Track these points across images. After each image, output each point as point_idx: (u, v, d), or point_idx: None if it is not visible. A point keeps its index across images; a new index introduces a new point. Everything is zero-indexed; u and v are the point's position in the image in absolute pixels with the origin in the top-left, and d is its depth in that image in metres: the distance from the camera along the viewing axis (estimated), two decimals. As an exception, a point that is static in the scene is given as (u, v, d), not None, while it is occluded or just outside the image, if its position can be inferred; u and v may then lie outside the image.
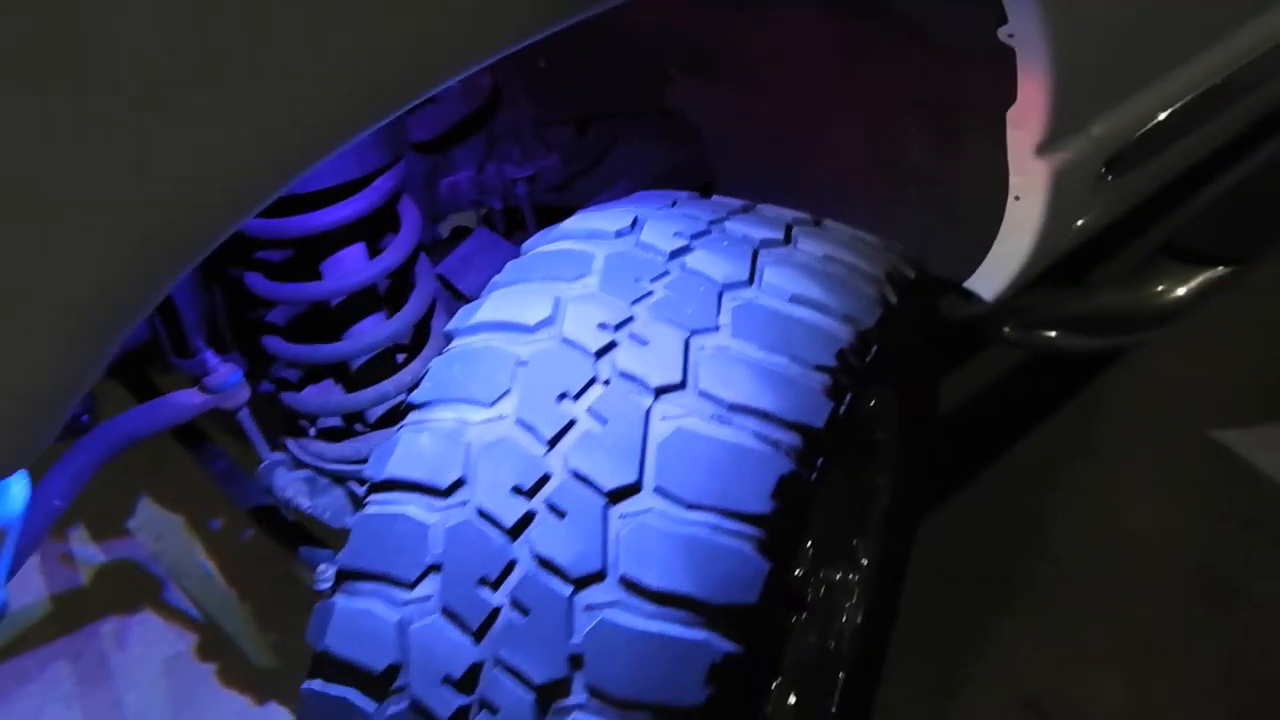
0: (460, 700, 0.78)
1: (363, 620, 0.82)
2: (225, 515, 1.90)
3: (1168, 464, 1.87)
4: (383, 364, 1.24)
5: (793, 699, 1.19)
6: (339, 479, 1.23)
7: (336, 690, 0.83)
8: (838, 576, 1.27)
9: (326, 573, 1.16)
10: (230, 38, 0.56)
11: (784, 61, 1.26)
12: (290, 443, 1.24)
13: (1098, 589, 1.69)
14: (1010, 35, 0.97)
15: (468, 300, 1.32)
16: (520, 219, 1.48)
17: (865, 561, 1.34)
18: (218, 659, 1.69)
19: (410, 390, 1.19)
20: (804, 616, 1.19)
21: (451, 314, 1.25)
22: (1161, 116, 1.17)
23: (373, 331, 1.17)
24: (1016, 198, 1.13)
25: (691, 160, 1.44)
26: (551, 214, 1.40)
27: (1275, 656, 1.57)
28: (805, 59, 1.24)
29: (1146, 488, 1.83)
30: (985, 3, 0.97)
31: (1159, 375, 2.02)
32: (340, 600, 0.84)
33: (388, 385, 1.18)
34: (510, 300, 0.92)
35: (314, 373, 1.25)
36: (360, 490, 1.20)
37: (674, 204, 1.03)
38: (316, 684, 0.84)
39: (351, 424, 1.26)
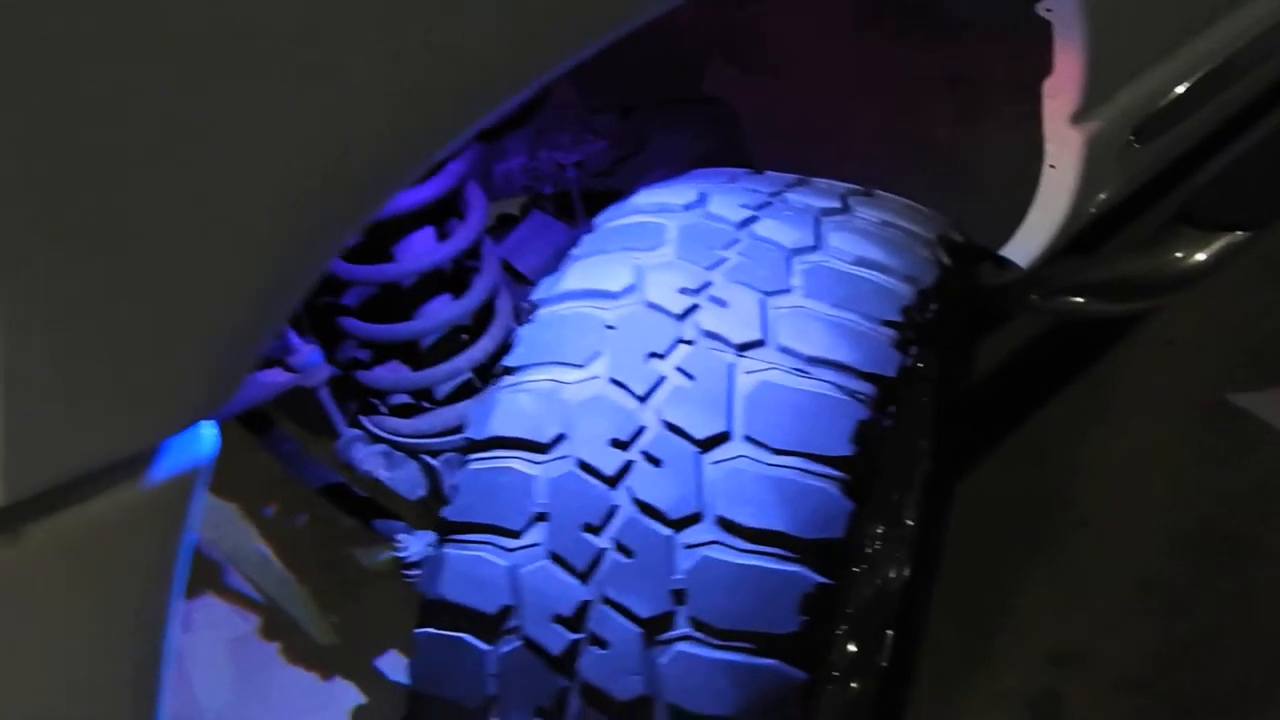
0: (571, 636, 0.85)
1: (474, 567, 0.89)
2: (278, 503, 1.96)
3: (1181, 430, 1.94)
4: (449, 343, 1.30)
5: (852, 647, 1.25)
6: (413, 453, 1.30)
7: (451, 634, 0.89)
8: (887, 534, 1.34)
9: (405, 541, 1.22)
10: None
11: (819, 47, 1.33)
12: (365, 420, 1.31)
13: (1122, 550, 1.76)
14: (1048, 10, 1.03)
15: (527, 281, 1.39)
16: (566, 204, 1.54)
17: (910, 521, 1.40)
18: (280, 639, 1.75)
19: (478, 366, 1.27)
20: (864, 567, 1.25)
21: (511, 294, 1.32)
22: (1184, 85, 1.23)
23: (446, 310, 1.24)
24: (1052, 166, 1.20)
25: (729, 145, 1.50)
26: (597, 198, 1.47)
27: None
28: (840, 44, 1.31)
29: (1162, 453, 1.90)
30: (1022, -19, 1.04)
31: (1167, 347, 2.09)
32: (450, 551, 0.91)
33: (461, 361, 1.24)
34: (592, 270, 0.98)
35: (385, 352, 1.31)
36: (433, 462, 1.27)
37: (732, 180, 1.10)
38: (430, 630, 0.91)
39: (419, 400, 1.33)
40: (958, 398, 1.38)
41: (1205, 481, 1.84)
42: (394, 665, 1.70)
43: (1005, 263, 1.36)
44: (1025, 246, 1.33)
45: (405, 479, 1.31)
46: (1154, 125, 1.25)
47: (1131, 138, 1.23)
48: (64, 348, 0.53)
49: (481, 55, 0.69)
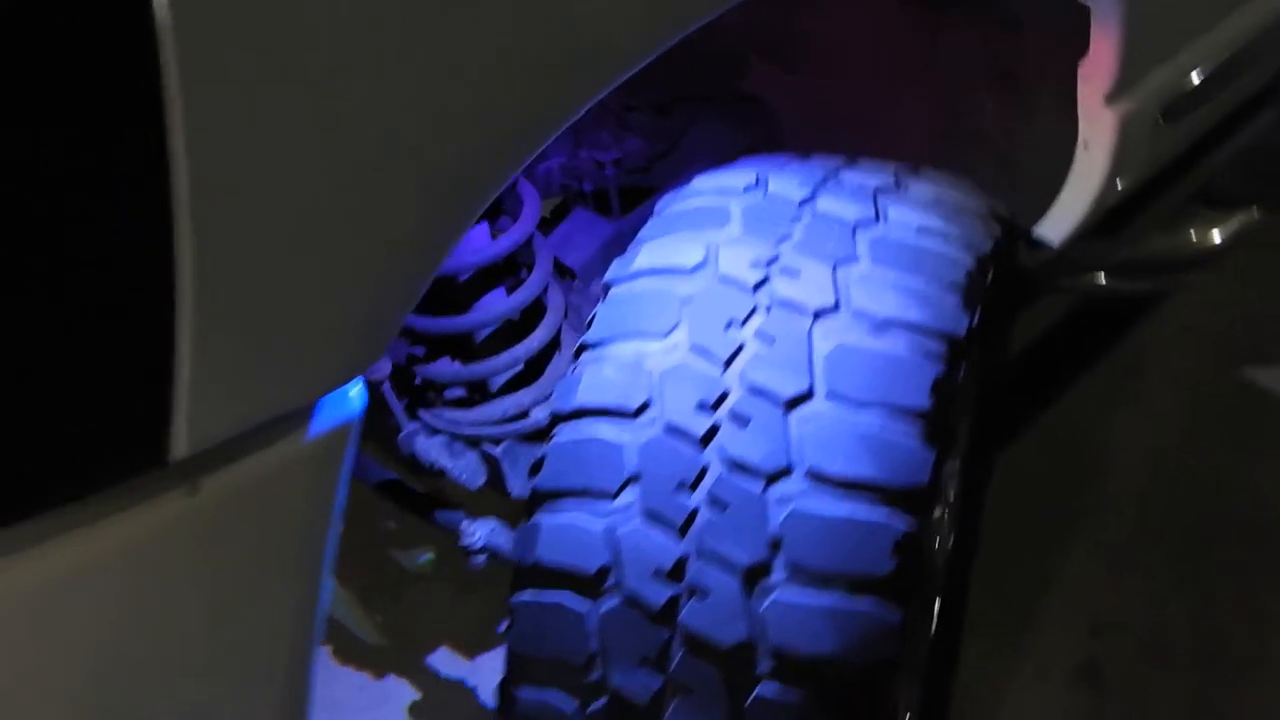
0: (671, 590, 0.89)
1: (570, 531, 0.93)
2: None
3: (1206, 407, 2.00)
4: (502, 336, 1.35)
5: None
6: (473, 442, 1.34)
7: (550, 596, 0.93)
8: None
9: (471, 529, 1.26)
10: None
11: (859, 45, 1.38)
12: (423, 413, 1.35)
13: (1155, 523, 1.81)
14: (1088, -5, 1.09)
15: (572, 275, 1.43)
16: (603, 200, 1.59)
17: (952, 494, 1.45)
18: (331, 640, 1.78)
19: (529, 359, 1.31)
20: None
21: (560, 288, 1.36)
22: (1210, 67, 1.29)
23: (501, 304, 1.28)
24: (1085, 146, 1.26)
25: (767, 141, 1.55)
26: (632, 195, 1.52)
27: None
28: (880, 42, 1.36)
29: (1189, 430, 1.95)
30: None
31: (1187, 329, 2.15)
32: (543, 518, 0.95)
33: (519, 351, 1.29)
34: (663, 249, 1.03)
35: (440, 345, 1.35)
36: (494, 451, 1.31)
37: (784, 164, 1.15)
38: (527, 595, 0.95)
39: (473, 393, 1.37)
40: (996, 374, 1.43)
41: (1232, 457, 1.90)
42: (445, 661, 1.73)
43: (1038, 244, 1.42)
44: (1057, 225, 1.38)
45: (467, 468, 1.35)
46: (1181, 106, 1.30)
47: (1160, 118, 1.29)
48: (247, 303, 0.57)
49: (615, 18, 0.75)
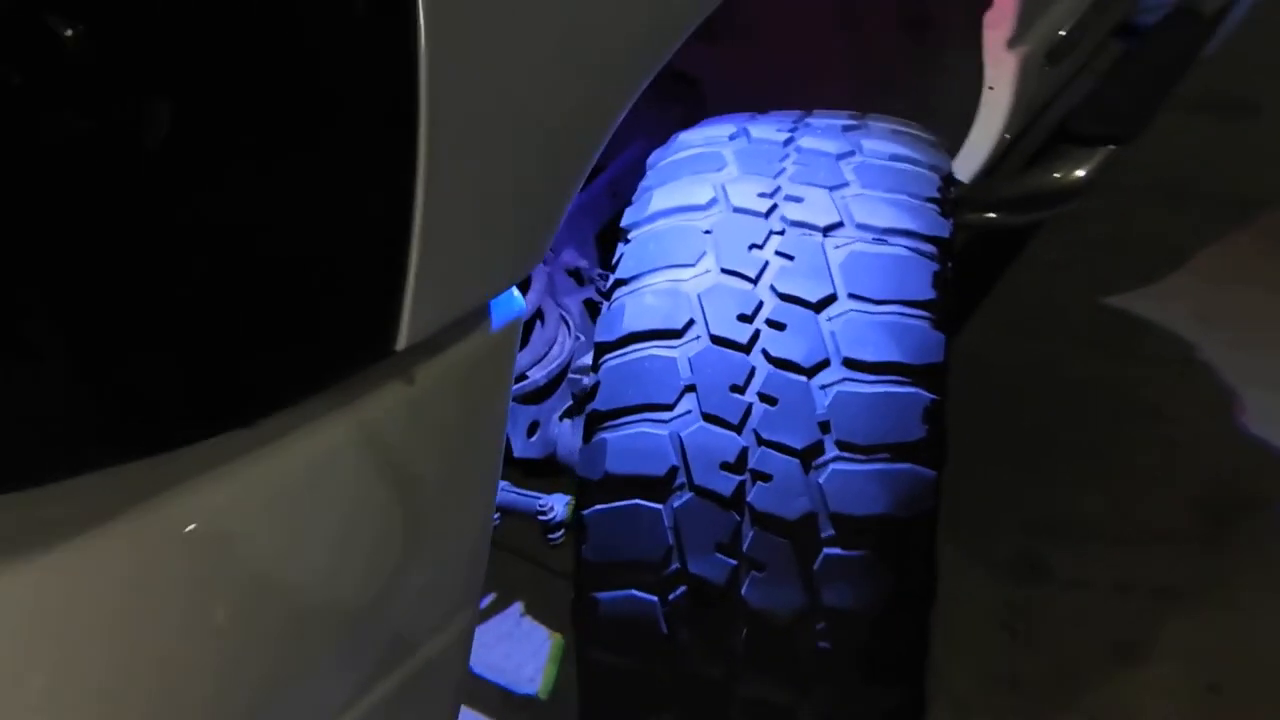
0: (737, 478, 1.00)
1: (637, 441, 1.03)
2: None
3: (1079, 327, 2.26)
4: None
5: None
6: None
7: (623, 503, 1.03)
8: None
9: (547, 504, 1.34)
10: None
11: (778, 9, 1.54)
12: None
13: (1056, 428, 2.05)
14: (992, -50, 1.28)
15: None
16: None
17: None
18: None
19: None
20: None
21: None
22: (1079, 13, 1.51)
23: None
24: (990, 88, 1.45)
25: (693, 114, 1.69)
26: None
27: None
28: (802, 6, 1.52)
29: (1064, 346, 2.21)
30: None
31: (1053, 264, 2.42)
32: (608, 435, 1.05)
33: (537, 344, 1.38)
34: (673, 193, 1.14)
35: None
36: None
37: (751, 118, 1.29)
38: (599, 507, 1.04)
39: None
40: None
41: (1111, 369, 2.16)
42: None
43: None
44: (967, 164, 1.57)
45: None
46: (1060, 50, 1.51)
47: (1045, 61, 1.49)
48: (462, 198, 0.66)
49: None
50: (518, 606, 1.78)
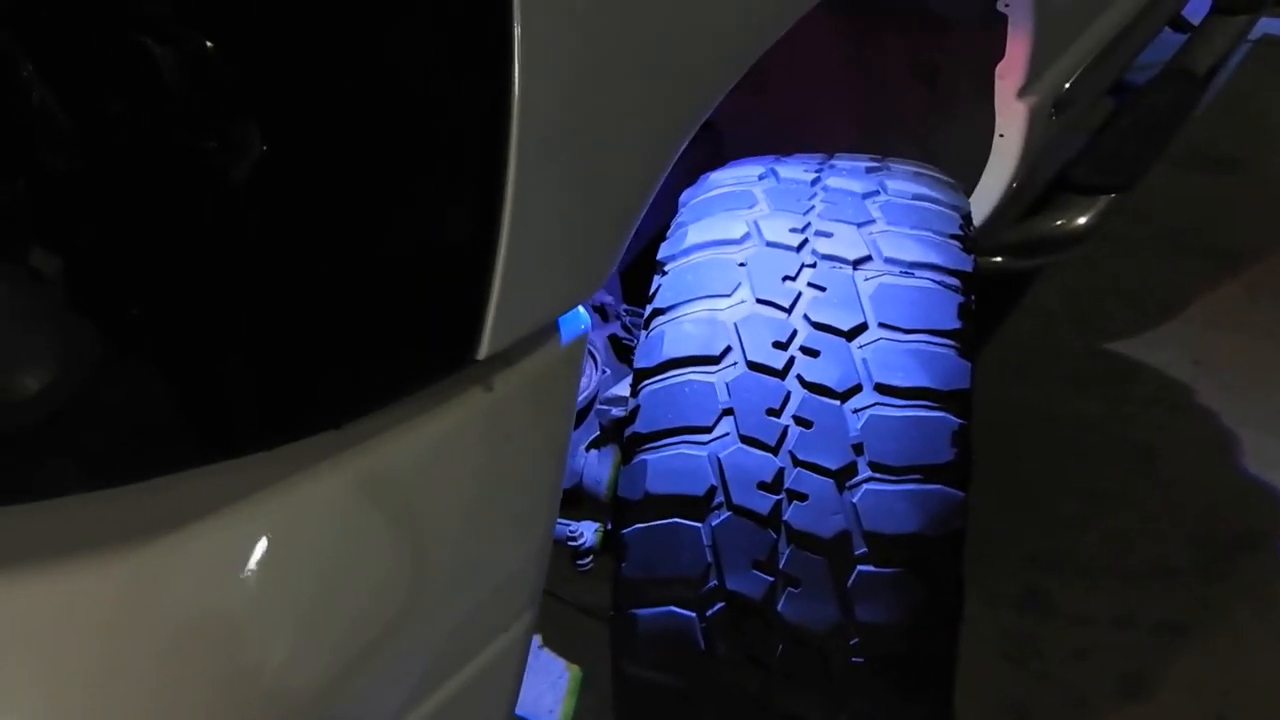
0: (773, 497, 1.05)
1: (676, 462, 1.07)
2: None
3: (1074, 370, 2.32)
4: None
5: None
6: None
7: (662, 521, 1.07)
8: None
9: (577, 530, 1.38)
10: None
11: (791, 53, 1.60)
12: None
13: (1057, 463, 2.10)
14: (1006, 5, 1.35)
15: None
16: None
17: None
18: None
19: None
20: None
21: None
22: (1082, 67, 1.58)
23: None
24: (1000, 135, 1.51)
25: (713, 157, 1.75)
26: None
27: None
28: (810, 48, 1.59)
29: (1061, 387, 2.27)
30: (983, -15, 1.35)
31: (1046, 310, 2.49)
32: (648, 456, 1.09)
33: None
34: (708, 228, 1.20)
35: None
36: None
37: (776, 160, 1.35)
38: (639, 525, 1.08)
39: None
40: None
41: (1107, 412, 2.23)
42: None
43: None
44: (977, 208, 1.64)
45: None
46: (1065, 100, 1.59)
47: (1052, 111, 1.57)
48: (543, 210, 0.70)
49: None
50: (536, 639, 1.81)
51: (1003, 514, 2.00)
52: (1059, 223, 1.92)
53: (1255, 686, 1.72)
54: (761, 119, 1.72)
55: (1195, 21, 2.52)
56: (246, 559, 0.67)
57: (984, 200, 1.59)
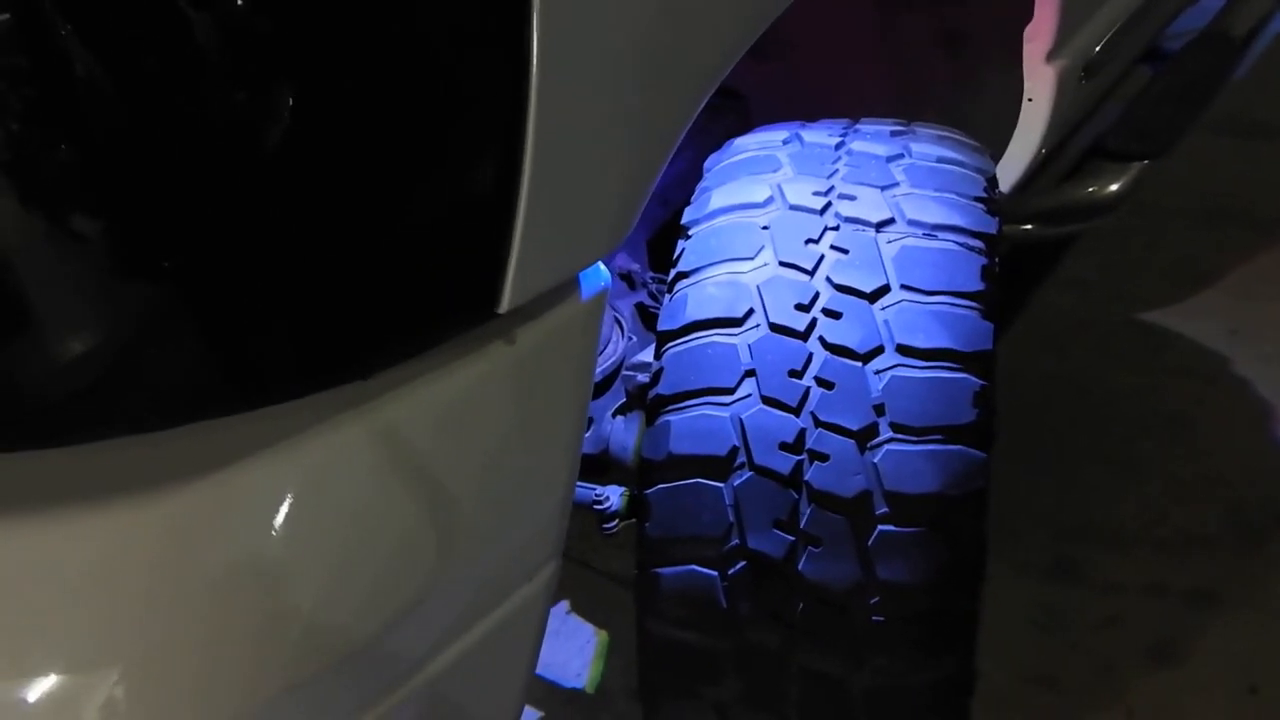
0: (795, 458, 1.06)
1: (699, 423, 1.08)
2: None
3: (1104, 342, 2.31)
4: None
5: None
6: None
7: (685, 481, 1.08)
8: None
9: (604, 494, 1.39)
10: None
11: (821, 23, 1.60)
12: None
13: (1085, 435, 2.09)
14: (1033, -34, 1.34)
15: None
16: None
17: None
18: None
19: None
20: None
21: None
22: (1114, 29, 1.57)
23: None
24: (1029, 100, 1.50)
25: (740, 126, 1.75)
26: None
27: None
28: (839, 17, 1.58)
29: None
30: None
31: (1080, 281, 2.47)
32: (671, 417, 1.10)
33: None
34: (732, 192, 1.20)
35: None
36: None
37: (802, 125, 1.35)
38: (662, 485, 1.10)
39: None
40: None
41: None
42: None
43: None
44: (1006, 174, 1.63)
45: None
46: (1096, 64, 1.57)
47: (1082, 74, 1.55)
48: (563, 164, 0.71)
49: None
50: (564, 604, 1.83)
51: (1034, 483, 2.00)
52: (1090, 189, 1.90)
53: (1288, 655, 1.71)
54: (788, 88, 1.72)
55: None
56: (280, 503, 0.69)
57: (1012, 166, 1.58)
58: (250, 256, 0.67)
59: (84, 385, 0.65)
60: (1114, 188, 1.94)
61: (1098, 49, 1.58)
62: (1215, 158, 2.74)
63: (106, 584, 0.66)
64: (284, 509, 0.67)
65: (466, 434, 0.73)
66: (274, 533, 0.69)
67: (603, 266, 0.81)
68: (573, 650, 1.78)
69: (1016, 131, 1.55)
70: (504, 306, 0.72)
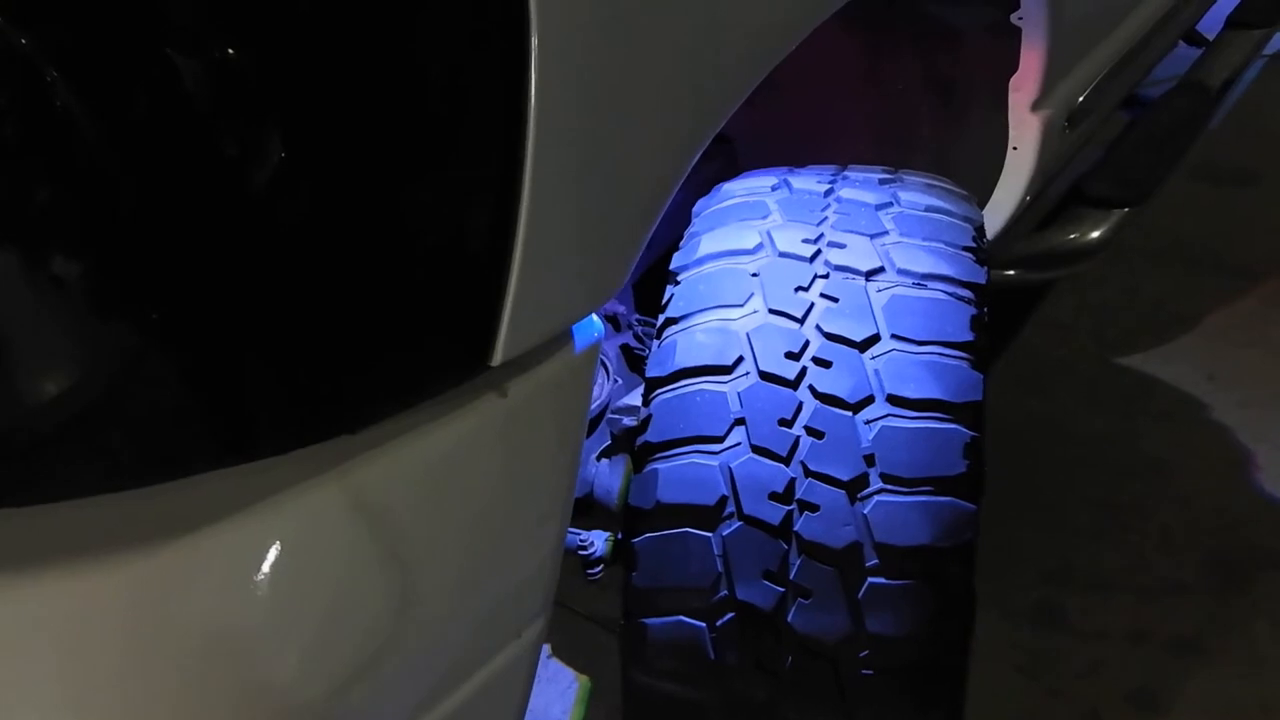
0: (785, 508, 1.05)
1: (688, 471, 1.07)
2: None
3: (1084, 383, 2.32)
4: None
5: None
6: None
7: (674, 530, 1.07)
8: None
9: (588, 539, 1.37)
10: None
11: (808, 67, 1.61)
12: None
13: (1067, 480, 2.10)
14: (1020, 18, 1.35)
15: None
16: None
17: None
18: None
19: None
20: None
21: None
22: (1097, 80, 1.58)
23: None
24: (1014, 148, 1.52)
25: (727, 169, 1.76)
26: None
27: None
28: (826, 62, 1.59)
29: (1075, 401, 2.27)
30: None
31: (1059, 323, 2.49)
32: (660, 465, 1.09)
33: None
34: (721, 238, 1.20)
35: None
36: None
37: (790, 171, 1.35)
38: (650, 535, 1.08)
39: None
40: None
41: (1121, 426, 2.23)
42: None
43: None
44: (990, 221, 1.64)
45: None
46: (1078, 114, 1.59)
47: (1066, 124, 1.57)
48: (558, 217, 0.71)
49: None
50: (546, 648, 1.81)
51: (1017, 528, 2.00)
52: (1072, 236, 1.92)
53: (1270, 703, 1.70)
54: (777, 132, 1.72)
55: (1210, 36, 2.52)
56: (262, 562, 0.68)
57: (997, 213, 1.59)
58: (236, 307, 0.65)
59: (61, 441, 0.63)
60: (1095, 235, 1.96)
61: (1081, 99, 1.59)
62: (1191, 204, 2.77)
63: (73, 648, 0.64)
64: (266, 568, 0.65)
65: (457, 489, 0.72)
66: (255, 592, 0.67)
67: (595, 318, 0.80)
68: (554, 695, 1.76)
69: (1002, 179, 1.56)
70: (497, 359, 0.71)
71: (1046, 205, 2.04)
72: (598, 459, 1.47)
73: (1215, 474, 2.09)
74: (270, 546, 0.68)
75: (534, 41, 0.66)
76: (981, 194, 1.61)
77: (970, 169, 1.58)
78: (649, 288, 1.48)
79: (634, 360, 1.57)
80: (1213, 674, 1.75)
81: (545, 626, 0.84)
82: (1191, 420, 2.22)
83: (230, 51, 0.62)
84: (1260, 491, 2.03)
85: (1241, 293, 2.54)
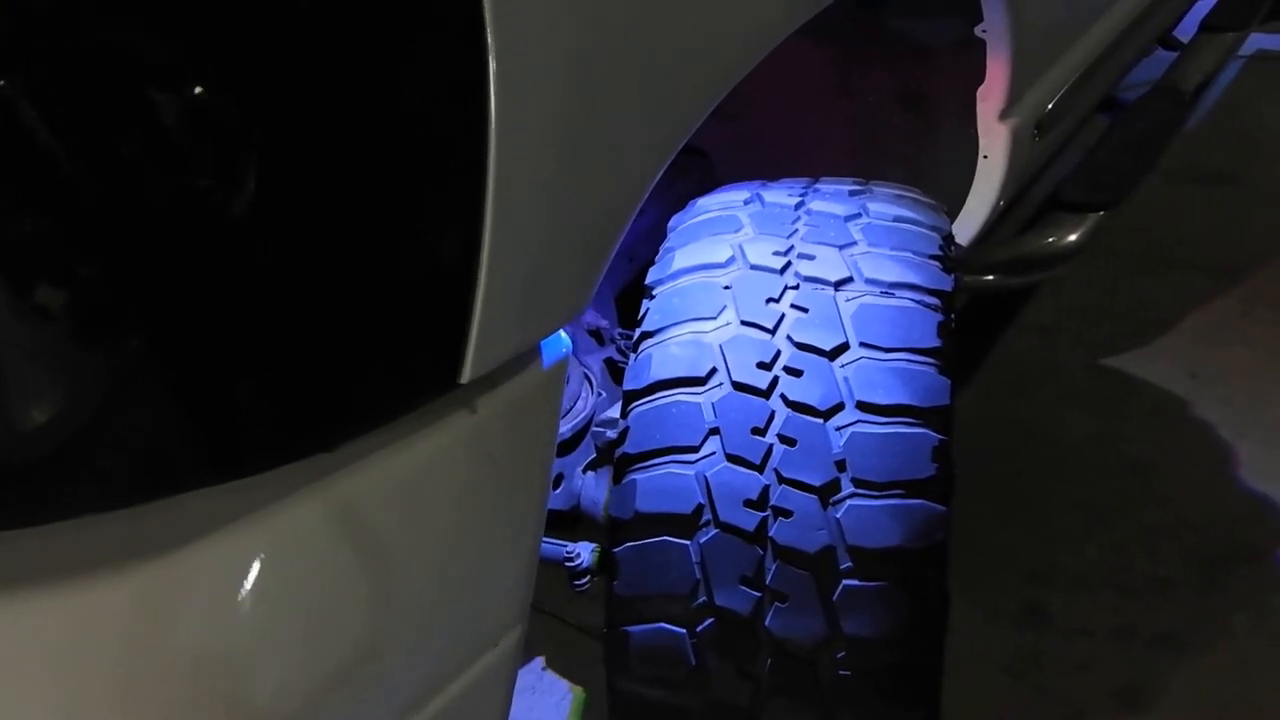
0: (759, 514, 1.07)
1: (665, 481, 1.10)
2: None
3: (1068, 388, 2.35)
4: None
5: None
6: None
7: (652, 539, 1.09)
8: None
9: (575, 551, 1.39)
10: None
11: (782, 83, 1.64)
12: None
13: (1053, 480, 2.12)
14: (984, 31, 1.38)
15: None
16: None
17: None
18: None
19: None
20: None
21: None
22: (1065, 87, 1.62)
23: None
24: (985, 156, 1.55)
25: (704, 184, 1.79)
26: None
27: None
28: (800, 77, 1.63)
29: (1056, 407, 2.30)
30: (961, 11, 1.39)
31: (1043, 327, 2.51)
32: (637, 476, 1.12)
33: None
34: (694, 253, 1.23)
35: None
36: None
37: (763, 185, 1.38)
38: (629, 544, 1.11)
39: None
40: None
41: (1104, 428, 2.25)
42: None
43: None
44: (964, 228, 1.67)
45: None
46: (1047, 121, 1.62)
47: (1035, 132, 1.60)
48: (525, 235, 0.73)
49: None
50: (539, 660, 1.83)
51: (1001, 528, 2.02)
52: (1049, 240, 1.95)
53: (1253, 699, 1.72)
54: (751, 147, 1.76)
55: (1186, 40, 2.56)
56: (244, 578, 0.70)
57: (970, 220, 1.62)
58: (217, 333, 0.68)
59: (49, 463, 0.66)
60: (1072, 238, 1.99)
61: (1050, 107, 1.62)
62: (1171, 205, 2.81)
63: (64, 665, 0.67)
64: (248, 583, 0.68)
65: (429, 504, 0.75)
66: (238, 607, 0.69)
67: (563, 334, 0.83)
68: (548, 706, 1.78)
69: (974, 187, 1.59)
70: (466, 377, 0.73)
71: (1027, 211, 2.07)
72: (583, 471, 1.49)
73: (1198, 472, 2.12)
74: (254, 561, 0.71)
75: (492, 63, 0.69)
76: (955, 202, 1.64)
77: (943, 178, 1.61)
78: (631, 301, 1.51)
79: (618, 373, 1.60)
80: (1196, 670, 1.77)
81: (523, 636, 0.87)
82: (1174, 419, 2.24)
83: (200, 89, 0.65)
84: (1242, 488, 2.06)
85: (1222, 292, 2.57)
